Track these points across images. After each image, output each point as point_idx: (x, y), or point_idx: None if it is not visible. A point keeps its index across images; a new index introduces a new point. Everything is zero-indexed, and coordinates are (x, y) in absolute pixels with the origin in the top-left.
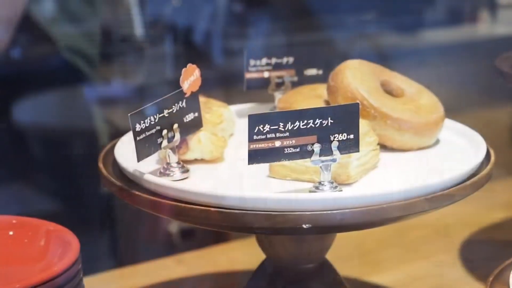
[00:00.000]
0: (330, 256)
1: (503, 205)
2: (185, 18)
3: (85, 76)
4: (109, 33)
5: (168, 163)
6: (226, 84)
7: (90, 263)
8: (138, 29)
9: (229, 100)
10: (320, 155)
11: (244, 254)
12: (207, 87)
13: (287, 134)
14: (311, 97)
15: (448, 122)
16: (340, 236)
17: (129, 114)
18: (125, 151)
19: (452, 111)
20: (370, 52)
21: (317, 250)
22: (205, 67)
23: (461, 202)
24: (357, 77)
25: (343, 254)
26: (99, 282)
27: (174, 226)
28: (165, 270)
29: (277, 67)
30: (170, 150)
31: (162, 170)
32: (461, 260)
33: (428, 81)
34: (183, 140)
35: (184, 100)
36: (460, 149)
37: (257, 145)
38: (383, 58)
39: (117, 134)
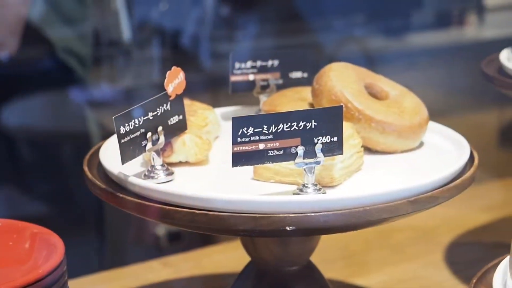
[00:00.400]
0: (315, 258)
1: (489, 208)
2: (172, 21)
3: (72, 78)
4: (97, 36)
5: (152, 166)
6: (213, 87)
7: (76, 265)
8: (126, 33)
9: (217, 103)
10: (304, 158)
11: (230, 257)
12: (194, 90)
13: (271, 136)
14: (296, 100)
15: (433, 125)
16: (325, 239)
17: (113, 117)
18: (110, 153)
19: (440, 114)
20: (357, 55)
21: (302, 253)
22: (192, 70)
23: (447, 204)
24: (341, 80)
25: (328, 256)
26: (85, 284)
27: (160, 229)
28: (151, 273)
29: (262, 70)
30: (154, 153)
31: (146, 173)
32: (446, 262)
33: (416, 84)
34: (168, 143)
35: (169, 103)
36: (444, 151)
37: (241, 148)
38: (371, 61)
39: (104, 136)
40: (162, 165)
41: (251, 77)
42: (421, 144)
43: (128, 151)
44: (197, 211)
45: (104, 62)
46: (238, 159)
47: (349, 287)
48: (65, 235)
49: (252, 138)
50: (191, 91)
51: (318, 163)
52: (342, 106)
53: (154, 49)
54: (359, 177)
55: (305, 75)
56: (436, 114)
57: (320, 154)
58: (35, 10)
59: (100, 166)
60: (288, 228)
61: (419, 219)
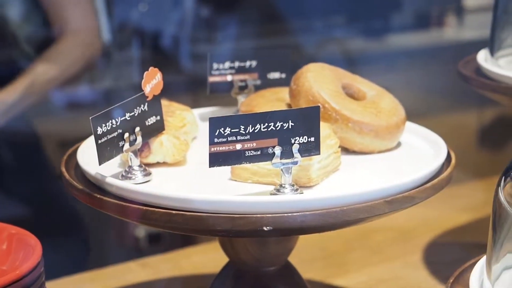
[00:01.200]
0: (294, 259)
1: (468, 208)
2: (152, 23)
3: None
4: None
5: (130, 166)
6: (193, 88)
7: (54, 267)
8: (106, 34)
9: (197, 104)
10: (281, 158)
11: (209, 258)
12: (174, 91)
13: (248, 137)
14: (273, 100)
15: (410, 125)
16: (304, 239)
17: (90, 117)
18: (87, 154)
19: (420, 115)
20: (337, 56)
21: (280, 253)
22: (172, 71)
23: (426, 204)
24: (318, 80)
25: (307, 257)
26: (63, 286)
27: (138, 230)
28: (129, 274)
29: (240, 70)
30: (132, 153)
31: (124, 174)
32: (425, 263)
33: (395, 85)
34: (145, 144)
35: (146, 104)
36: (421, 152)
37: (218, 148)
38: (351, 62)
39: (83, 138)
40: (140, 166)
41: (229, 78)
42: (399, 145)
43: (105, 152)
44: (174, 212)
45: None
46: (215, 159)
47: (328, 287)
48: (44, 237)
49: (229, 139)
50: (171, 92)
51: (295, 163)
52: (319, 106)
53: (134, 50)
54: (337, 177)
55: (283, 75)
56: (416, 115)
57: (297, 155)
58: (11, 12)
59: (77, 167)
60: (265, 228)
61: (398, 220)
